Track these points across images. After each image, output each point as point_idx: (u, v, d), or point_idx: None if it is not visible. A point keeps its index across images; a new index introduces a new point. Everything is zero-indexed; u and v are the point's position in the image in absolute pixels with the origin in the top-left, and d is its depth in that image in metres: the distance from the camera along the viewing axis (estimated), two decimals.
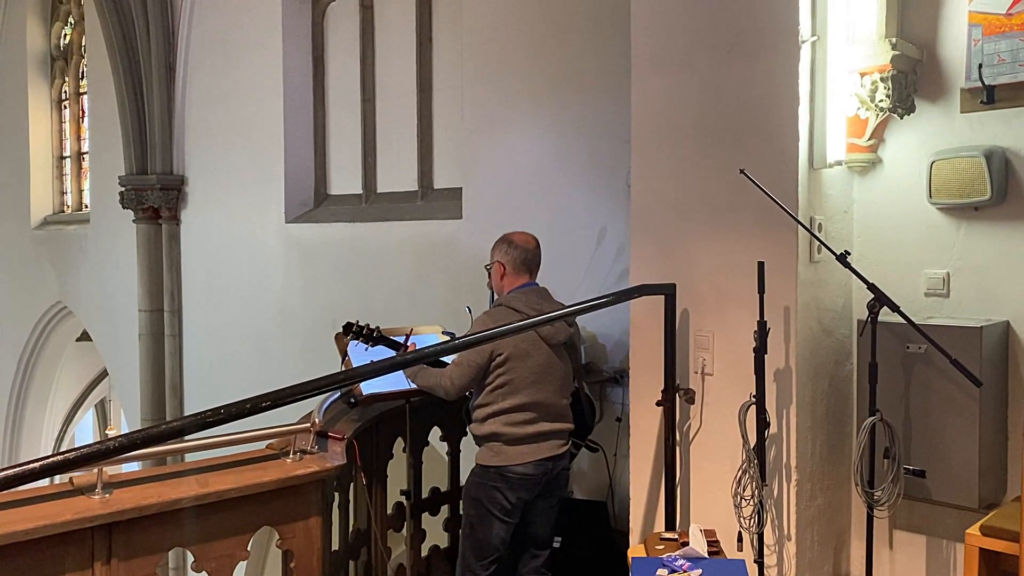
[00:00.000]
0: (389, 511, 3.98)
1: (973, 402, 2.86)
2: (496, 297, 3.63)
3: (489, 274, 3.63)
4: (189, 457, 3.42)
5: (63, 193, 9.60)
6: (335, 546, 3.52)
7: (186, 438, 2.61)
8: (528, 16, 4.79)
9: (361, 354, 3.61)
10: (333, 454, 3.22)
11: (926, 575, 3.17)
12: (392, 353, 3.47)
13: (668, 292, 3.23)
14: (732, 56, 3.16)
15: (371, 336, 3.52)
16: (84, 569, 2.59)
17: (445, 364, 3.48)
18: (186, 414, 5.97)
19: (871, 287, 2.84)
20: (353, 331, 3.53)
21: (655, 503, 3.44)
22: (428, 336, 3.80)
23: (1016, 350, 3.00)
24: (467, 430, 3.56)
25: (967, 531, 2.72)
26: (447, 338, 3.74)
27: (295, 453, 3.15)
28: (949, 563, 3.12)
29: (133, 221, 7.51)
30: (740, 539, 3.05)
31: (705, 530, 2.82)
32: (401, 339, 3.62)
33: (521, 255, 3.50)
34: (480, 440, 3.43)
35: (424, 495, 4.14)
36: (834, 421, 3.26)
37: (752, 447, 3.00)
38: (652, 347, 3.32)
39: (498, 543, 3.39)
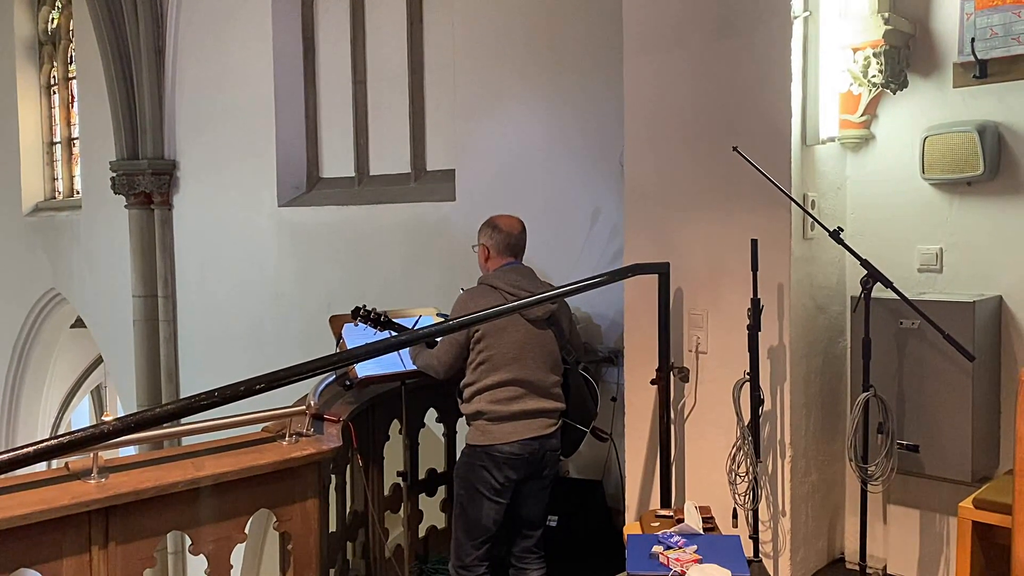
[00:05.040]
0: (386, 492, 3.99)
1: (966, 377, 2.87)
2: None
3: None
4: (185, 441, 3.43)
5: (54, 179, 9.54)
6: (333, 528, 3.54)
7: (181, 422, 2.61)
8: None
9: (356, 336, 3.60)
10: (329, 436, 3.23)
11: (920, 549, 3.20)
12: None
13: (662, 271, 3.22)
14: (724, 33, 3.15)
15: (379, 320, 3.45)
16: (82, 553, 2.60)
17: None
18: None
19: (864, 263, 2.84)
20: (361, 315, 3.45)
21: (650, 481, 3.46)
22: (429, 319, 3.79)
23: (1008, 325, 3.01)
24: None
25: (960, 504, 2.73)
26: (441, 320, 3.73)
27: (291, 436, 3.15)
28: (943, 536, 3.14)
29: (125, 206, 7.47)
30: (735, 515, 3.07)
31: (700, 507, 2.84)
32: (409, 322, 3.59)
33: (505, 239, 3.48)
34: (468, 419, 3.42)
35: (421, 476, 4.16)
36: (828, 397, 3.28)
37: (746, 424, 3.02)
38: (646, 326, 3.32)
39: (490, 523, 3.39)
